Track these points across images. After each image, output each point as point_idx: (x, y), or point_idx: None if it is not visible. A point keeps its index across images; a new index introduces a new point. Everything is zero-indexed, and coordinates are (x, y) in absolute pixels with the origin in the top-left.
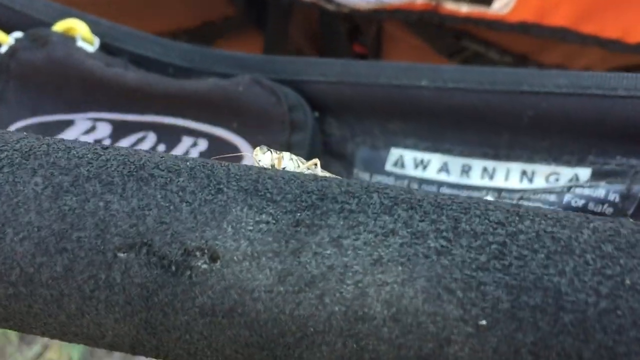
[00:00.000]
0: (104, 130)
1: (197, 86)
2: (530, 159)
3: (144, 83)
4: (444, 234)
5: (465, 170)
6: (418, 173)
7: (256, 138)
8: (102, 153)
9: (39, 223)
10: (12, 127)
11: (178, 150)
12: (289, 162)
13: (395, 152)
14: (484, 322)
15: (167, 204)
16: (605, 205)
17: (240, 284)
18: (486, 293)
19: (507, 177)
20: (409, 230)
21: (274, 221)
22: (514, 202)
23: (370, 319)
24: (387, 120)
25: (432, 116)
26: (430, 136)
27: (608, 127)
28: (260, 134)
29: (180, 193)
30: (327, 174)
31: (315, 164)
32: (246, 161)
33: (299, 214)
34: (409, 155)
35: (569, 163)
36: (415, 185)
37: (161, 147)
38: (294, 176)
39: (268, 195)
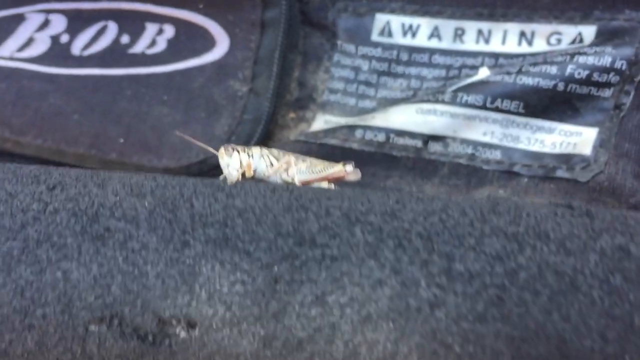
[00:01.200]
0: (59, 24)
1: None
2: (529, 18)
3: None
4: (437, 279)
5: (459, 35)
6: (407, 41)
7: (226, 18)
8: (49, 200)
9: None
10: None
11: (143, 40)
12: (260, 161)
13: (380, 18)
14: None
15: (130, 269)
16: (611, 74)
17: (224, 350)
18: (485, 346)
19: (504, 40)
20: (397, 279)
21: (250, 280)
22: (513, 76)
23: None
24: None
25: None
26: None
27: None
28: (230, 13)
29: (143, 252)
30: (305, 165)
31: (289, 163)
32: (219, 49)
33: (275, 268)
34: (396, 21)
35: (572, 20)
36: (405, 56)
37: (124, 39)
38: (266, 207)
39: (239, 244)
